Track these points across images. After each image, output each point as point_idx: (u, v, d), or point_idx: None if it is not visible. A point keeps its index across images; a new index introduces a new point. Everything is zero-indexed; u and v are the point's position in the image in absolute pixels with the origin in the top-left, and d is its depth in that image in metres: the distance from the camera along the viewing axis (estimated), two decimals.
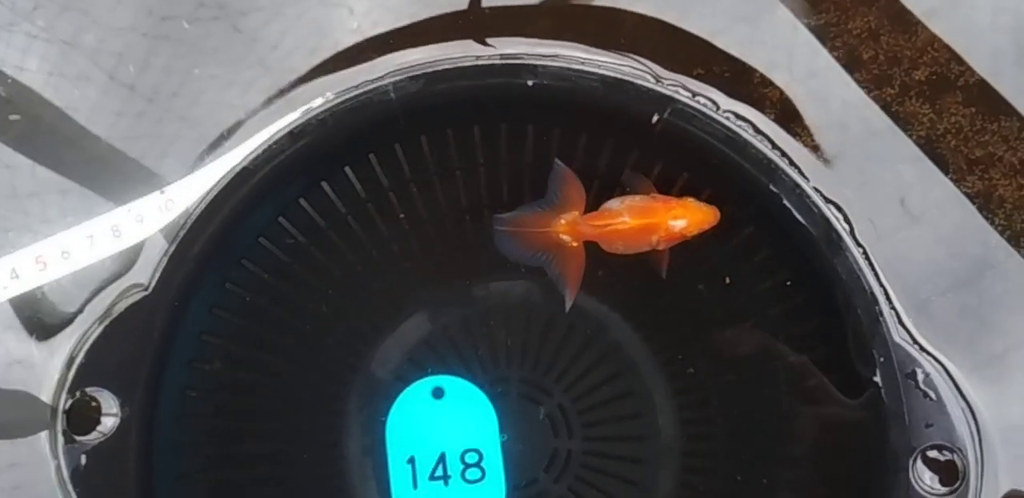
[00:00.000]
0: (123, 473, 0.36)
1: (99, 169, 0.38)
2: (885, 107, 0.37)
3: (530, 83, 0.38)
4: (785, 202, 0.35)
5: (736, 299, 0.38)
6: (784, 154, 0.36)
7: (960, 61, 0.37)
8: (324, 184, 0.40)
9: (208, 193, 0.38)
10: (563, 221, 0.36)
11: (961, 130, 0.36)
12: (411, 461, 0.41)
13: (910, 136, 0.37)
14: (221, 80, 0.38)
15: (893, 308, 0.34)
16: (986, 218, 0.36)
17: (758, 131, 0.36)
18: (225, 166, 0.38)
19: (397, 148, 0.40)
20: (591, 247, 0.37)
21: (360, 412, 0.41)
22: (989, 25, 0.37)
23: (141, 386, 0.37)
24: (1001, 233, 0.36)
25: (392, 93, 0.38)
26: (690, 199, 0.35)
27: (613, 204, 0.36)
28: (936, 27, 0.37)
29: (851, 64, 0.37)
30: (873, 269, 0.35)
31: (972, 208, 0.36)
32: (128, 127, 0.38)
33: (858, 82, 0.37)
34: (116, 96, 0.38)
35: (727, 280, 0.39)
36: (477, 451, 0.41)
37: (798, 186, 0.35)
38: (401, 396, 0.41)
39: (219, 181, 0.38)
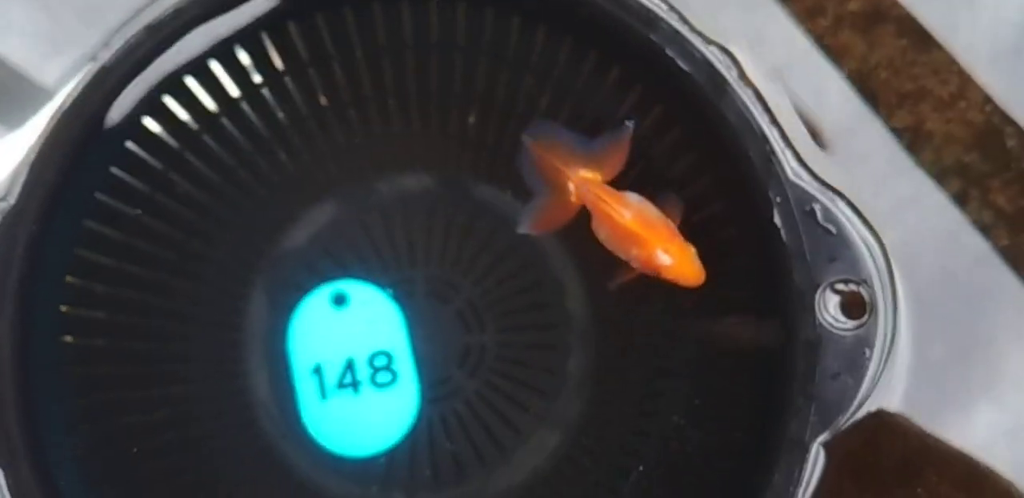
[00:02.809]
0: None
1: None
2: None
3: None
4: (667, 51, 0.34)
5: (634, 166, 0.36)
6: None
7: None
8: (191, 80, 0.37)
9: (66, 98, 0.36)
10: (581, 173, 0.34)
11: (893, 63, 0.35)
12: (317, 371, 0.39)
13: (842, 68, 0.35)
14: None
15: (790, 146, 0.33)
16: (914, 154, 0.35)
17: None
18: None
19: (264, 37, 0.37)
20: None
21: (259, 325, 0.39)
22: None
23: (10, 301, 0.34)
24: (928, 170, 0.35)
25: None
26: (694, 250, 0.32)
27: (632, 197, 0.33)
28: None
29: None
30: (767, 109, 0.33)
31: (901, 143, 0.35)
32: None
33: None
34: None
35: None
36: (386, 354, 0.39)
37: (678, 33, 0.34)
38: (301, 305, 0.39)
39: (76, 84, 0.36)
